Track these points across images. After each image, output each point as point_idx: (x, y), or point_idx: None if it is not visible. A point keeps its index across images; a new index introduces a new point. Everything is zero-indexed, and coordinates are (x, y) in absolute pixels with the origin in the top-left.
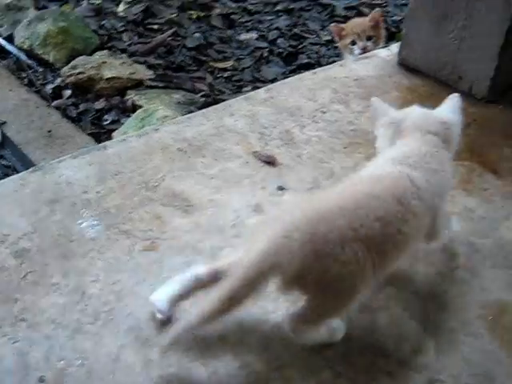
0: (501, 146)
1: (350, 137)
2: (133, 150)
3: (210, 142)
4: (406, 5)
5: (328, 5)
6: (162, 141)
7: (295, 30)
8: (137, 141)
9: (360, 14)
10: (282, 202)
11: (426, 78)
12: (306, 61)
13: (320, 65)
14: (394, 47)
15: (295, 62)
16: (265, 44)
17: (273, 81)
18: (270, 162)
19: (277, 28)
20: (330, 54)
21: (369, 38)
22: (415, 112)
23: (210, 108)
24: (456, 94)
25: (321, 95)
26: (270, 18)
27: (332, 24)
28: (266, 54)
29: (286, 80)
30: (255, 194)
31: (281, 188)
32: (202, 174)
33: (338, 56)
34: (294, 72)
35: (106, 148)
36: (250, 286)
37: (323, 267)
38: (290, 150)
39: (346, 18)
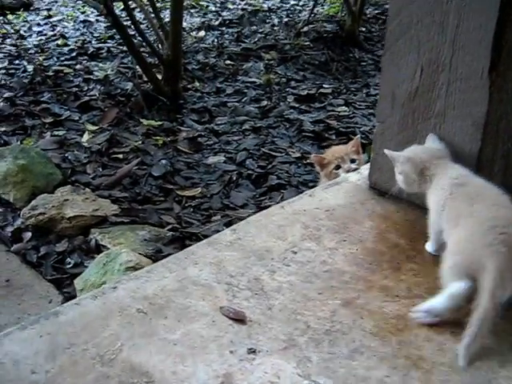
0: None
1: (324, 280)
2: (87, 316)
3: (173, 298)
4: (373, 114)
5: (295, 120)
6: (120, 301)
7: (263, 149)
8: (92, 303)
9: (328, 128)
10: (253, 368)
11: (400, 203)
12: (276, 182)
13: (291, 185)
14: (365, 169)
15: (265, 183)
16: (233, 167)
17: (243, 207)
18: (239, 319)
19: (245, 149)
20: (301, 171)
21: (352, 161)
22: (418, 148)
23: (172, 257)
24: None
25: (291, 232)
26: (237, 138)
27: (312, 155)
28: (234, 178)
29: (253, 217)
30: (224, 360)
31: (252, 350)
32: (164, 339)
33: (309, 174)
34: (264, 195)
35: (57, 315)
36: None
37: None
38: (260, 302)
39: (315, 133)
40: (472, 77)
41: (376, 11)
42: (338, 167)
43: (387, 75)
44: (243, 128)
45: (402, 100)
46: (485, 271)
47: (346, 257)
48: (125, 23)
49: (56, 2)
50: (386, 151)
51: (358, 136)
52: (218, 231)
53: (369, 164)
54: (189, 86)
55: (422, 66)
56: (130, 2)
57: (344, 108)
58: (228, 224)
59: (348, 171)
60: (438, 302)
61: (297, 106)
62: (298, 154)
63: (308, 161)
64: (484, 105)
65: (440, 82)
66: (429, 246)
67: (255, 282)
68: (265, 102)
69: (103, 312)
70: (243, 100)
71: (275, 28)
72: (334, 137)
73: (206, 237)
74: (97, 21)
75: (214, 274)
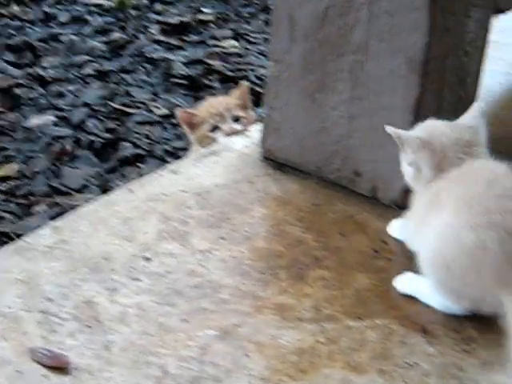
0: None
1: (192, 299)
2: None
3: None
4: None
5: (161, 60)
6: None
7: (113, 104)
8: None
9: (209, 71)
10: None
11: (305, 179)
12: (131, 151)
13: (153, 155)
14: (256, 132)
15: (115, 154)
16: (67, 131)
17: (81, 190)
18: (59, 366)
19: (85, 103)
20: (168, 136)
21: (236, 120)
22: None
23: None
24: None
25: (142, 229)
26: (74, 87)
27: (178, 111)
28: (69, 147)
29: (86, 208)
30: None
31: None
32: None
33: (181, 139)
34: (112, 172)
35: None
36: None
37: None
38: (93, 339)
39: (190, 79)
40: None
41: None
42: (214, 128)
43: None
44: (83, 73)
45: (306, 28)
46: None
47: (225, 263)
48: None
49: None
50: (389, 128)
51: (246, 83)
52: None
53: (260, 124)
54: (2, 12)
55: None
56: None
57: (232, 42)
58: (57, 216)
59: (229, 134)
60: None
61: (163, 39)
62: (165, 111)
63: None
64: (422, 33)
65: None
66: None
67: (86, 308)
68: (116, 35)
69: None
70: (84, 31)
71: None
72: (217, 84)
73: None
74: None
75: (20, 298)
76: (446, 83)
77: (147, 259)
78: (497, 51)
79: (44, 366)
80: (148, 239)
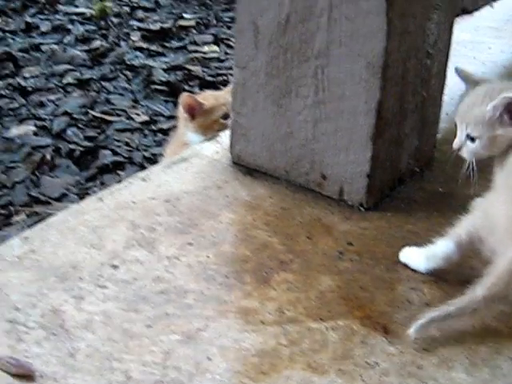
0: (391, 285)
1: (157, 305)
2: None
3: None
4: None
5: (141, 67)
6: None
7: (93, 113)
8: None
9: (190, 77)
10: None
11: (274, 184)
12: (111, 159)
13: (133, 163)
14: (226, 138)
15: (95, 162)
16: (48, 140)
17: (60, 199)
18: (25, 374)
19: (66, 112)
20: (148, 142)
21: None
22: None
23: None
24: None
25: (111, 237)
26: (54, 97)
27: (184, 95)
28: (49, 157)
29: (56, 218)
30: None
31: None
32: None
33: (160, 145)
34: (92, 180)
35: None
36: None
37: None
38: (59, 346)
39: (170, 86)
40: None
41: None
42: (226, 116)
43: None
44: (64, 82)
45: (269, 34)
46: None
47: (190, 268)
48: None
49: None
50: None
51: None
52: None
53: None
54: None
55: None
56: None
57: (213, 47)
58: None
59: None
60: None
61: (144, 46)
62: (145, 117)
63: (180, 105)
64: (381, 37)
65: (319, 5)
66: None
67: (53, 316)
68: (97, 43)
69: None
70: (65, 41)
71: None
72: (197, 89)
73: None
74: None
75: None
76: (408, 85)
77: (115, 267)
78: (470, 51)
79: (9, 374)
80: (116, 247)
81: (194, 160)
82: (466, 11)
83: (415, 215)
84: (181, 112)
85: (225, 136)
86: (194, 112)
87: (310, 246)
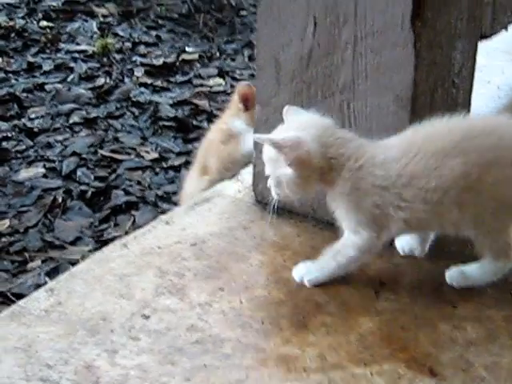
0: (434, 324)
1: (194, 356)
2: None
3: None
4: None
5: (147, 103)
6: None
7: (102, 152)
8: None
9: (197, 111)
10: None
11: (301, 222)
12: (123, 199)
13: (146, 202)
14: (247, 176)
15: (107, 203)
16: (58, 182)
17: (74, 242)
18: None
19: (74, 153)
20: (160, 180)
21: None
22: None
23: None
24: None
25: (139, 285)
26: (62, 137)
27: (243, 83)
28: (60, 199)
29: (80, 267)
30: None
31: None
32: None
33: (173, 182)
34: (105, 221)
35: None
36: None
37: None
38: None
39: (178, 121)
40: (388, 29)
41: None
42: None
43: (265, 34)
44: (70, 121)
45: (291, 70)
46: None
47: (224, 315)
48: None
49: None
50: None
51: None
52: (40, 286)
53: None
54: None
55: (314, 17)
56: None
57: (218, 80)
58: (53, 272)
59: None
60: None
61: (149, 82)
62: (155, 155)
63: (235, 94)
64: (409, 69)
65: (343, 38)
66: None
67: (86, 373)
68: (101, 80)
69: None
70: (69, 79)
71: None
72: (205, 124)
73: (20, 296)
74: None
75: (20, 367)
76: (435, 116)
77: (146, 317)
78: (485, 75)
79: None
80: (145, 295)
81: (217, 200)
82: (485, 36)
83: None
84: (234, 101)
85: (246, 174)
86: (248, 103)
87: (344, 286)
